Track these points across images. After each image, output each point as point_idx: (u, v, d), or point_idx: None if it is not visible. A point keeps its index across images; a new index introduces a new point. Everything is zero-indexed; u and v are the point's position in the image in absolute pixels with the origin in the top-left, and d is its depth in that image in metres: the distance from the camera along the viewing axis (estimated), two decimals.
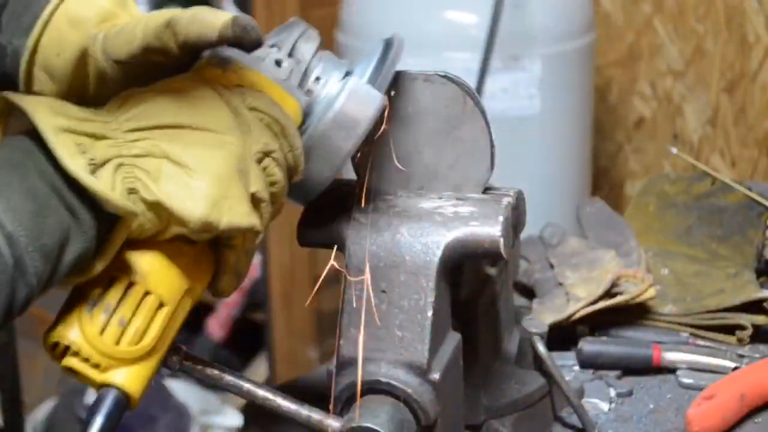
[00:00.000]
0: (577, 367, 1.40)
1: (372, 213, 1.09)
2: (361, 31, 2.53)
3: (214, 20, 0.94)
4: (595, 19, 2.64)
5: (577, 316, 1.43)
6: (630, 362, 1.38)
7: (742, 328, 1.43)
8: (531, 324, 1.25)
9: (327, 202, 1.09)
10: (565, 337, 1.42)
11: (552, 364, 1.22)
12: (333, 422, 1.02)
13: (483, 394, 1.18)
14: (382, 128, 1.06)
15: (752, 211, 1.70)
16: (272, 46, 1.04)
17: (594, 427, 1.24)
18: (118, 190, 0.90)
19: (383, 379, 1.04)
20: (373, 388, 1.04)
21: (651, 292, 1.45)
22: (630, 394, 1.34)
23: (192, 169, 0.92)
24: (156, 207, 0.91)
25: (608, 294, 1.44)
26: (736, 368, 1.38)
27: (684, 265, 1.59)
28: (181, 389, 3.12)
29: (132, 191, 0.91)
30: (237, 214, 0.94)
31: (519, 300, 1.52)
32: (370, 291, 1.05)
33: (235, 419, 3.06)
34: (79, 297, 0.93)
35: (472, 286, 1.20)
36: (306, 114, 1.04)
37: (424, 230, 1.07)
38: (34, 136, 0.88)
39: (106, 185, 0.89)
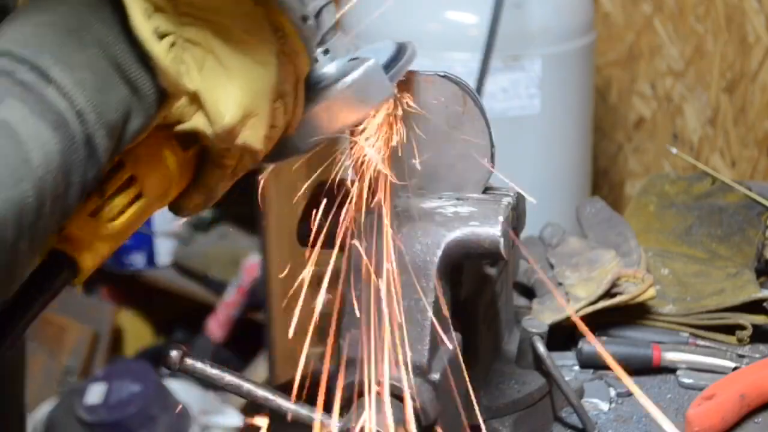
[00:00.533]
0: (577, 367, 1.40)
1: (372, 213, 1.09)
2: (361, 31, 2.53)
3: None
4: (595, 19, 2.64)
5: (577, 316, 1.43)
6: (630, 362, 1.38)
7: (742, 328, 1.43)
8: (531, 324, 1.25)
9: (327, 202, 1.09)
10: (565, 337, 1.42)
11: (552, 364, 1.22)
12: (333, 422, 1.02)
13: (483, 394, 1.18)
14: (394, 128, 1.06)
15: (752, 211, 1.70)
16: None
17: (594, 427, 1.24)
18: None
19: (383, 379, 1.04)
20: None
21: (651, 292, 1.45)
22: (630, 394, 1.34)
23: (234, 73, 0.90)
24: (192, 97, 0.89)
25: (608, 294, 1.44)
26: (736, 368, 1.38)
27: (684, 265, 1.59)
28: (181, 389, 3.12)
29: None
30: (256, 135, 0.92)
31: (519, 300, 1.52)
32: (370, 291, 1.05)
33: (235, 419, 3.06)
34: None
35: (472, 286, 1.20)
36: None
37: (424, 230, 1.07)
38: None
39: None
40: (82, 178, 0.82)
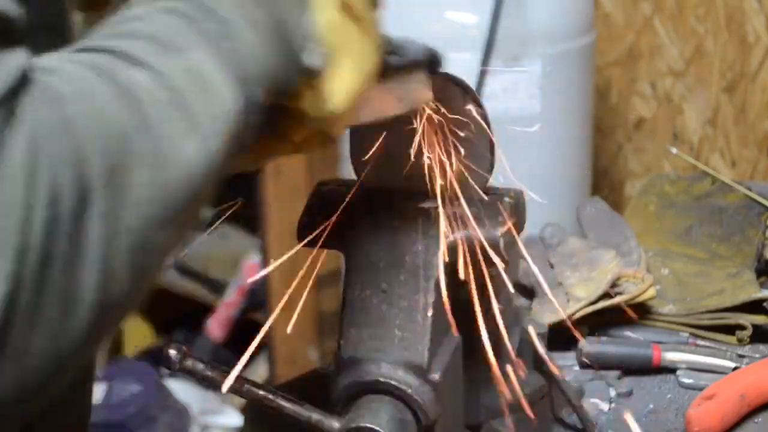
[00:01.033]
0: (577, 367, 1.40)
1: (372, 213, 1.09)
2: None
3: None
4: (595, 19, 2.64)
5: (577, 316, 1.43)
6: (630, 362, 1.38)
7: (742, 328, 1.43)
8: (531, 324, 1.25)
9: (327, 202, 1.09)
10: (566, 337, 1.42)
11: (552, 364, 1.22)
12: (333, 422, 1.02)
13: (483, 394, 1.18)
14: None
15: (752, 211, 1.70)
16: None
17: (594, 427, 1.24)
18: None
19: (383, 379, 1.04)
20: (373, 388, 1.04)
21: (651, 292, 1.45)
22: (630, 394, 1.34)
23: (353, 53, 0.83)
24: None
25: (608, 294, 1.44)
26: (736, 368, 1.38)
27: (684, 265, 1.59)
28: (181, 389, 3.12)
29: None
30: (342, 127, 0.88)
31: (519, 300, 1.52)
32: (371, 291, 1.05)
33: (235, 419, 3.06)
34: None
35: None
36: None
37: (424, 230, 1.07)
38: None
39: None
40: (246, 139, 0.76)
